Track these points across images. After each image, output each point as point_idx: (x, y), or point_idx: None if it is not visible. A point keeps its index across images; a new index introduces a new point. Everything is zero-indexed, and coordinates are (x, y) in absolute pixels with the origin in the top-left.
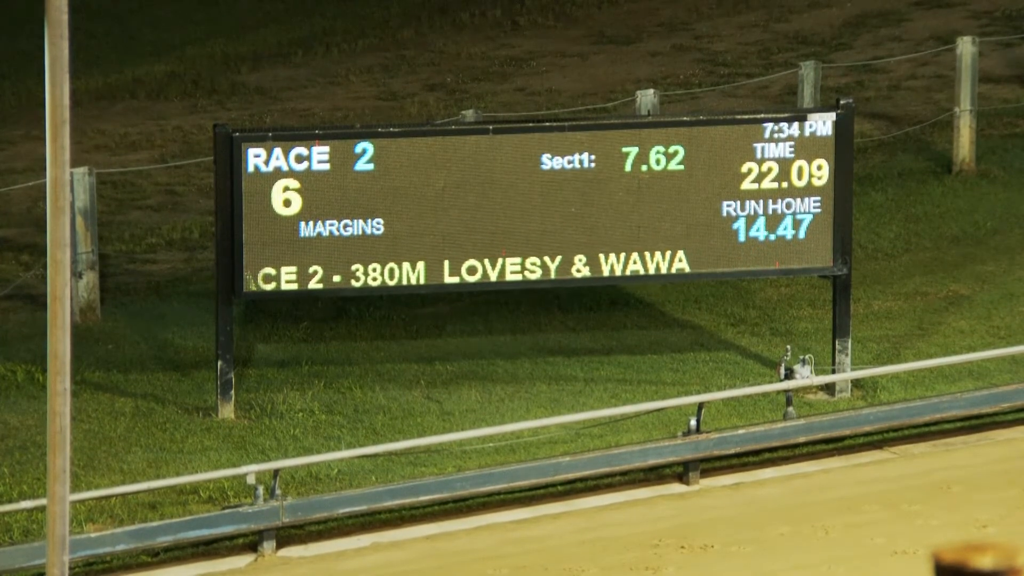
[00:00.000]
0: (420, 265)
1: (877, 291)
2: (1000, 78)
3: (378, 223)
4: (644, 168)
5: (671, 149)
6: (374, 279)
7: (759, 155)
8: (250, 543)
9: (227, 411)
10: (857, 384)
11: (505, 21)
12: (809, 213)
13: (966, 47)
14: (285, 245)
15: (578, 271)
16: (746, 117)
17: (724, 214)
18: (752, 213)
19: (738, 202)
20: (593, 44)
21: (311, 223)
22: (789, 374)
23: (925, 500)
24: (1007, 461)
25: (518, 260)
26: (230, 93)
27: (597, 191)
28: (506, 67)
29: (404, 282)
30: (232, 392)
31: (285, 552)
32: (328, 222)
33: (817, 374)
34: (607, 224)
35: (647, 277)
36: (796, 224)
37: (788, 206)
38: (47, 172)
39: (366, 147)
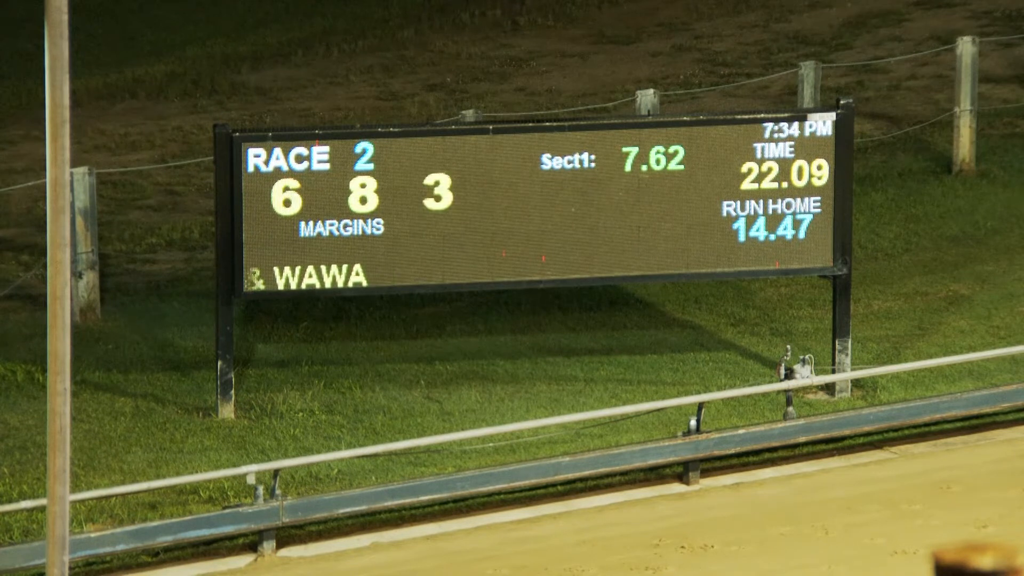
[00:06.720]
0: (420, 265)
1: (877, 291)
2: (1000, 78)
3: (378, 223)
4: (644, 168)
5: (671, 149)
6: (374, 279)
7: (759, 155)
8: (250, 543)
9: (227, 411)
10: (857, 384)
11: (505, 21)
12: (809, 213)
13: (966, 47)
14: (285, 245)
15: (579, 271)
16: (746, 117)
17: (724, 214)
18: (752, 213)
19: (738, 202)
20: (593, 44)
21: (311, 223)
22: (789, 374)
23: (925, 500)
24: (1007, 461)
25: (518, 260)
26: (230, 93)
27: (597, 191)
28: (506, 67)
29: (404, 282)
30: (232, 392)
31: (285, 552)
32: (328, 222)
33: (817, 374)
34: (607, 224)
35: (649, 277)
36: (796, 224)
37: (788, 206)
38: (47, 172)
39: (366, 147)
